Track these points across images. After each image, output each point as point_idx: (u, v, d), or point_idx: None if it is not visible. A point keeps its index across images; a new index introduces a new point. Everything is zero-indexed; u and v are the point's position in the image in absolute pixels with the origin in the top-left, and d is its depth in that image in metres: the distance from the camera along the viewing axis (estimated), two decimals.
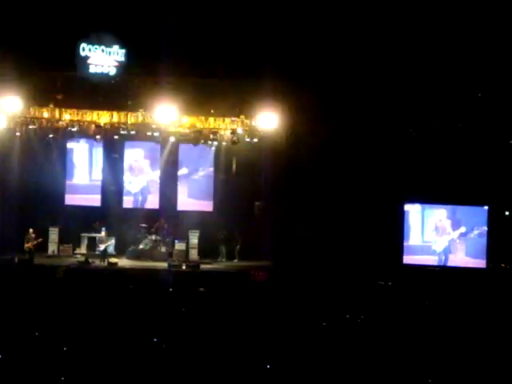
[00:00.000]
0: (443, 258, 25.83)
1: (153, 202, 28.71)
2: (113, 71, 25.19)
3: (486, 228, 25.56)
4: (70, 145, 28.45)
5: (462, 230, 25.68)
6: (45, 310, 17.12)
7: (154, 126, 25.63)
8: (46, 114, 25.33)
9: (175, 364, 11.80)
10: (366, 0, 24.63)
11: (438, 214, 26.17)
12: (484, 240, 25.62)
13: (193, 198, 28.64)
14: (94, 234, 27.60)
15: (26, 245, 25.73)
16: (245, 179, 26.63)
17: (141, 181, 28.75)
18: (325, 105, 24.95)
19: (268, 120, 25.07)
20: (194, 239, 27.70)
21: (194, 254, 27.60)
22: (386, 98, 23.72)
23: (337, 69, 24.25)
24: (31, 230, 25.96)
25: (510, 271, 25.25)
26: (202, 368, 11.65)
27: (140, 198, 28.79)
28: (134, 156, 28.74)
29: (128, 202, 28.79)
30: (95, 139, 26.70)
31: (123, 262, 26.47)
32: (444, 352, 13.68)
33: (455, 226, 25.84)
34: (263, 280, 23.00)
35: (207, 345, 13.72)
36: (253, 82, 24.07)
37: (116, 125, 25.78)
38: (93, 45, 24.88)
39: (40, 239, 26.02)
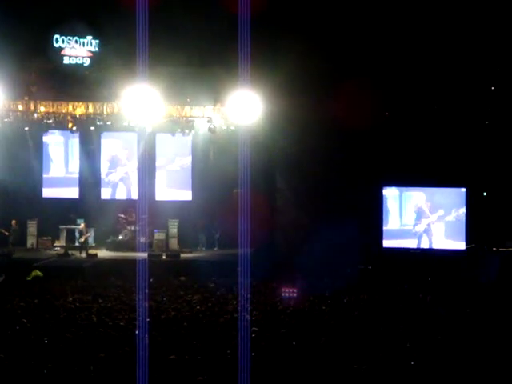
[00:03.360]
0: (424, 240, 25.97)
1: (131, 193, 28.59)
2: (87, 62, 25.12)
3: (464, 210, 25.71)
4: (45, 138, 28.29)
5: (441, 213, 25.84)
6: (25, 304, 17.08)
7: (129, 117, 25.42)
8: (20, 107, 25.05)
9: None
10: None
11: (417, 198, 26.31)
12: (462, 222, 25.77)
13: (171, 188, 28.58)
14: (72, 226, 27.53)
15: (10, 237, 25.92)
16: (223, 167, 26.50)
17: (119, 172, 28.64)
18: (301, 90, 24.91)
19: (244, 107, 24.94)
20: (173, 229, 27.70)
21: (173, 244, 27.60)
22: (363, 81, 23.68)
23: (312, 53, 24.18)
24: (14, 222, 26.06)
25: (488, 252, 25.40)
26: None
27: (119, 189, 28.66)
28: (112, 147, 28.60)
29: (106, 193, 28.67)
30: (71, 131, 26.43)
31: (103, 254, 26.42)
32: (425, 334, 13.74)
33: (434, 209, 25.98)
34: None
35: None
36: (228, 70, 23.96)
37: (92, 116, 25.60)
38: (66, 36, 24.74)
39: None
